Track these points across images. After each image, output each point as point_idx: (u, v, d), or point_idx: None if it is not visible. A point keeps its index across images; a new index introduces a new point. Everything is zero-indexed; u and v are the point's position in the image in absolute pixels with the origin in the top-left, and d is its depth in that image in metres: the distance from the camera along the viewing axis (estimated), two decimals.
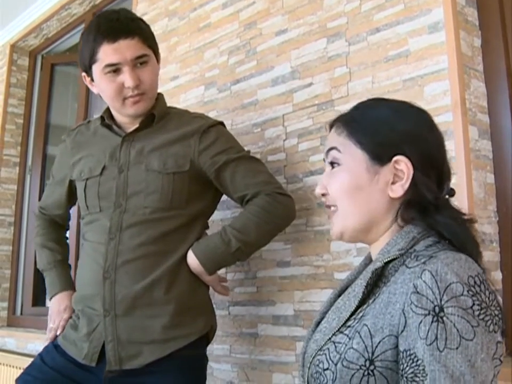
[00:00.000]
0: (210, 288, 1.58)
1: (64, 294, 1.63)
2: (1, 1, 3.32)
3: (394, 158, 0.90)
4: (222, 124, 1.61)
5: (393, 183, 0.90)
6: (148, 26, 1.54)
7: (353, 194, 0.93)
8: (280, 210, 1.50)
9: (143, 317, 1.41)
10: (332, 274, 1.58)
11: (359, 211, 0.93)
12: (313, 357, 0.89)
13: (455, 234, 0.87)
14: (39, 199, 3.43)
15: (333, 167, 0.97)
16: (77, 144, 1.62)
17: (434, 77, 1.42)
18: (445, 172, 0.93)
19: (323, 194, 0.98)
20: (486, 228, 1.38)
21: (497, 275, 1.37)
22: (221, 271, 1.65)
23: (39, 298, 3.36)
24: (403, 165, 0.89)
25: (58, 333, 1.56)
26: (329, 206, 0.98)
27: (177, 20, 2.27)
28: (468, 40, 1.44)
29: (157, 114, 1.54)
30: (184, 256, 1.47)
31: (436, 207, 0.88)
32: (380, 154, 0.91)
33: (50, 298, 1.65)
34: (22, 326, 3.26)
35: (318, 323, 0.99)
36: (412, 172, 0.89)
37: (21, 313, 3.40)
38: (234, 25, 2.00)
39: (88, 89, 3.11)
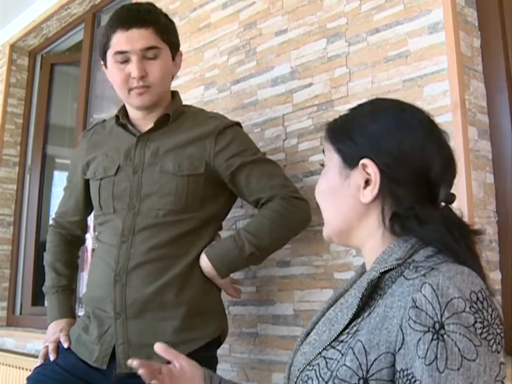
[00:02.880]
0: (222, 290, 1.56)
1: (62, 321, 1.59)
2: (1, 1, 3.31)
3: (361, 162, 0.86)
4: (238, 124, 1.59)
5: (365, 187, 0.86)
6: (169, 22, 1.53)
7: (328, 197, 0.92)
8: (295, 214, 1.48)
9: (153, 319, 1.40)
10: (332, 274, 1.58)
11: (335, 215, 0.92)
12: (301, 372, 0.84)
13: (448, 247, 0.80)
14: (39, 199, 3.47)
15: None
16: (93, 144, 1.61)
17: (434, 77, 1.42)
18: (433, 178, 0.84)
19: None
20: (486, 228, 1.38)
21: (496, 275, 1.38)
22: None
23: (38, 297, 3.35)
24: (371, 169, 0.85)
25: (51, 351, 1.49)
26: None
27: (177, 19, 2.26)
28: (468, 41, 1.45)
29: (171, 114, 1.52)
30: (196, 259, 1.45)
31: (416, 218, 0.82)
32: (348, 158, 0.88)
33: (49, 323, 1.62)
34: (21, 326, 3.26)
35: (308, 334, 0.93)
36: (378, 177, 0.84)
37: (20, 313, 3.40)
38: (234, 26, 2.00)
39: (87, 89, 3.12)
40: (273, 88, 1.83)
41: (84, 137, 1.67)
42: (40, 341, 2.84)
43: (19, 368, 2.75)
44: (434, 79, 1.42)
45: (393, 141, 0.85)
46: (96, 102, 3.18)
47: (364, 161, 0.85)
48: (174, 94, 1.59)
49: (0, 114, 3.58)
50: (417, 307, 0.72)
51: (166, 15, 1.53)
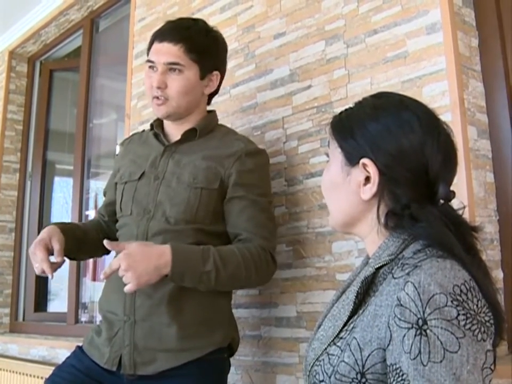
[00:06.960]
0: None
1: (53, 226, 1.53)
2: (0, 8, 3.32)
3: (362, 160, 0.88)
4: (262, 152, 1.59)
5: (365, 184, 0.89)
6: (209, 42, 1.54)
7: (331, 191, 0.96)
8: (263, 269, 1.46)
9: (159, 324, 1.42)
10: (334, 276, 1.58)
11: (338, 208, 0.96)
12: (311, 366, 0.89)
13: (440, 242, 0.82)
14: (40, 205, 3.48)
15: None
16: (127, 151, 1.68)
17: (432, 77, 1.43)
18: (432, 176, 0.86)
19: None
20: (487, 226, 1.38)
21: (498, 274, 1.38)
22: None
23: (41, 304, 3.36)
24: (370, 169, 0.88)
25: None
26: None
27: None
28: (465, 41, 1.45)
29: (199, 129, 1.56)
30: None
31: (411, 216, 0.85)
32: (350, 155, 0.91)
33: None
34: (24, 332, 3.27)
35: (319, 326, 0.98)
36: (377, 176, 0.87)
37: (23, 319, 3.41)
38: (232, 29, 2.01)
39: (87, 95, 3.13)
40: (272, 91, 1.83)
41: (121, 144, 1.75)
42: (44, 347, 2.85)
43: (23, 374, 2.75)
44: (433, 79, 1.43)
45: (393, 141, 0.87)
46: (96, 108, 3.19)
47: (364, 160, 0.88)
48: (210, 113, 1.65)
49: (0, 121, 3.59)
50: (401, 305, 0.76)
51: (208, 34, 1.56)
